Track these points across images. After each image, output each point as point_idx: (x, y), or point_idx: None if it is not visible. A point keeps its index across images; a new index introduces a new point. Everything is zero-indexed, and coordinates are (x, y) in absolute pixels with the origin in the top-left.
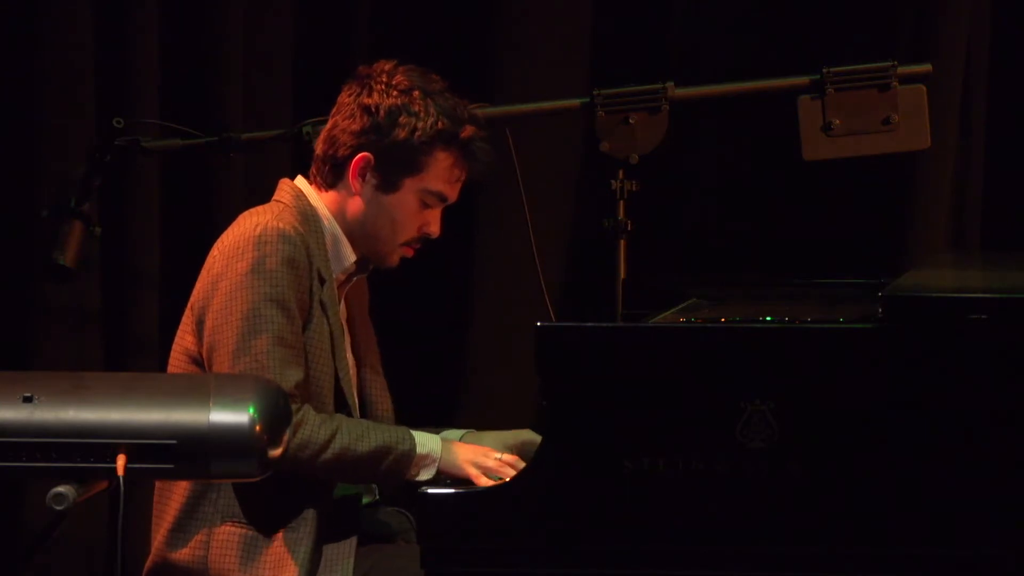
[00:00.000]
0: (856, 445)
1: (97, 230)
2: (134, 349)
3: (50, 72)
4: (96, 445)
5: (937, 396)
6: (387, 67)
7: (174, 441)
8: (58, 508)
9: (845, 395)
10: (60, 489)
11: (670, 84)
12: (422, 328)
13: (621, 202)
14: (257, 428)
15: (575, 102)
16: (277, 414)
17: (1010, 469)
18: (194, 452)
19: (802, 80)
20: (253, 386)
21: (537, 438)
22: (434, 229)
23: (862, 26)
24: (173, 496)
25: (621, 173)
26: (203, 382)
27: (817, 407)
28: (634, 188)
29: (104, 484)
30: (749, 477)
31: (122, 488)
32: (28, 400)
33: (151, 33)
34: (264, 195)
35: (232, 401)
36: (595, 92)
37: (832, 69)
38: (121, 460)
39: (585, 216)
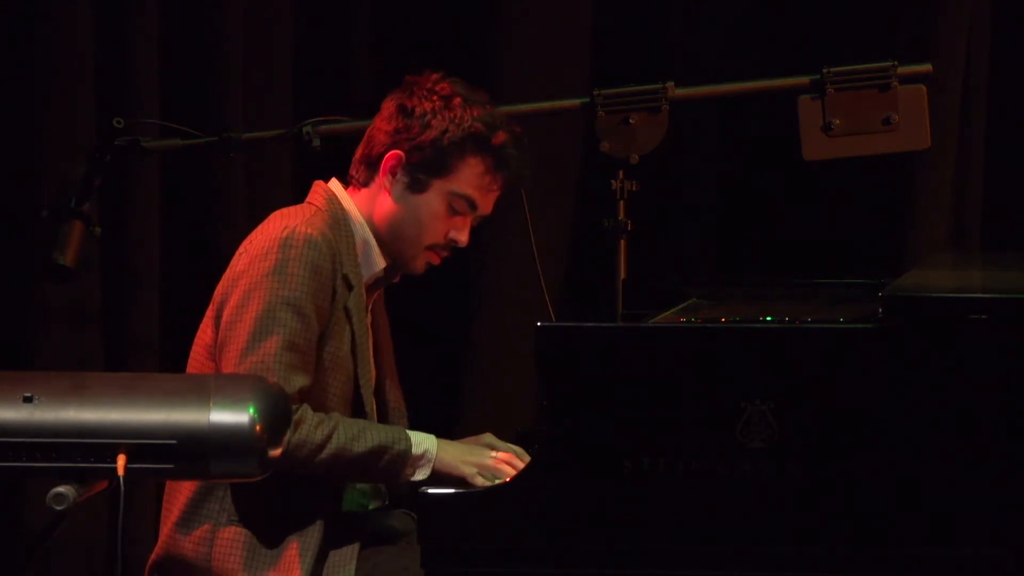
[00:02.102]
0: (856, 445)
1: (97, 230)
2: (134, 349)
3: (50, 72)
4: (96, 445)
5: (937, 396)
6: (434, 76)
7: (174, 441)
8: (58, 508)
9: (845, 395)
10: (60, 489)
11: (670, 84)
12: (423, 328)
13: (621, 202)
14: (257, 428)
15: (575, 102)
16: (277, 414)
17: (1010, 469)
18: (194, 452)
19: (802, 80)
20: (253, 386)
21: (495, 441)
22: (462, 237)
23: (862, 26)
24: (181, 490)
25: (621, 173)
26: (203, 382)
27: (817, 407)
28: (634, 188)
29: (104, 484)
30: (749, 477)
31: (122, 488)
32: (28, 400)
33: (151, 33)
34: (264, 195)
35: (232, 401)
36: (595, 92)
37: (832, 69)
38: (121, 460)
39: (585, 216)
